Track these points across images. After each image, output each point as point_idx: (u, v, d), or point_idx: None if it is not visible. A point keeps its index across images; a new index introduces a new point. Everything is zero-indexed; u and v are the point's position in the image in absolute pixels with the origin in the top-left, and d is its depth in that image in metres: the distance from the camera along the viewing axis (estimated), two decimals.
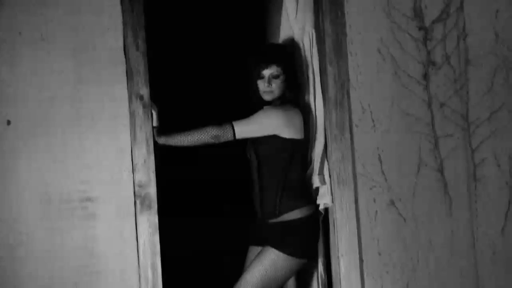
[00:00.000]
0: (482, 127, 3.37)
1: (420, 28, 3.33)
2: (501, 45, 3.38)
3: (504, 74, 3.38)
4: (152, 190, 3.03)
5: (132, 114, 3.05)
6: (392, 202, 3.28)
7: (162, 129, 3.13)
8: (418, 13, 3.33)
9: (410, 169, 3.30)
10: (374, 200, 3.26)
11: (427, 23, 3.34)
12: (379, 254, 3.25)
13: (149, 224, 3.01)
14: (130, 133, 3.06)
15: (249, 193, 3.35)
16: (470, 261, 3.35)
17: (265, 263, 3.12)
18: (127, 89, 3.07)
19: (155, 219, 3.02)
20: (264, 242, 3.21)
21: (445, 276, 3.31)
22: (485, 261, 3.35)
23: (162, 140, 3.13)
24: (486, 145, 3.37)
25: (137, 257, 3.02)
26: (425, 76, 3.33)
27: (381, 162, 3.27)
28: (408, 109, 3.30)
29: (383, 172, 3.27)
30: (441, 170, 3.33)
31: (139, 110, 3.05)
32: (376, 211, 3.26)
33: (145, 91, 3.05)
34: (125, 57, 3.07)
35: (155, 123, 3.09)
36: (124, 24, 3.07)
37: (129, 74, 3.07)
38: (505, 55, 3.38)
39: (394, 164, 3.28)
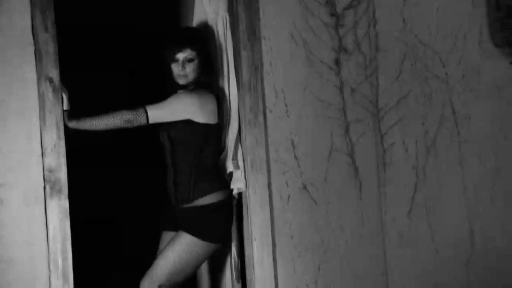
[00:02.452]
0: (391, 113, 3.46)
1: (332, 15, 3.38)
2: (409, 32, 3.47)
3: (411, 61, 3.48)
4: (63, 175, 2.96)
5: (41, 97, 2.97)
6: (305, 186, 3.32)
7: (73, 113, 3.06)
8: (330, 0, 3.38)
9: (322, 154, 3.35)
10: (287, 184, 3.30)
11: (339, 9, 3.39)
12: (292, 237, 3.29)
13: (59, 210, 2.95)
14: (40, 117, 2.98)
15: (163, 178, 3.32)
16: (378, 244, 3.43)
17: (179, 248, 3.11)
18: (36, 71, 2.98)
19: (65, 204, 2.96)
20: (177, 227, 3.19)
21: (355, 259, 3.38)
22: (393, 244, 3.45)
23: (73, 124, 3.06)
24: (395, 130, 3.46)
25: (46, 244, 2.95)
26: (337, 62, 3.38)
27: (294, 146, 3.31)
28: (321, 94, 3.35)
29: (296, 157, 3.31)
30: (351, 155, 3.40)
31: (49, 93, 2.97)
32: (289, 195, 3.30)
33: (54, 74, 2.97)
34: (34, 39, 2.98)
35: (65, 107, 3.02)
36: (32, 5, 2.98)
37: (38, 56, 2.98)
38: (413, 42, 3.48)
39: (307, 148, 3.33)
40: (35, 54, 2.98)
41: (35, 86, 2.98)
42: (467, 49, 3.56)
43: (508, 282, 3.64)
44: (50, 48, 2.96)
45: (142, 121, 3.09)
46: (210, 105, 3.19)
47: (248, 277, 3.28)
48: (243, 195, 3.29)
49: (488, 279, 3.60)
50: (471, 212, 3.57)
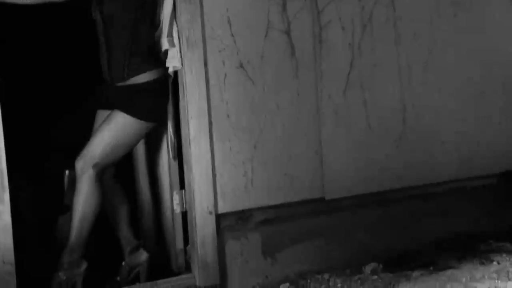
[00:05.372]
0: None
1: None
2: None
3: None
4: None
5: None
6: (241, 65, 3.29)
7: None
8: None
9: (259, 32, 3.31)
10: (223, 63, 3.26)
11: None
12: (228, 116, 3.29)
13: None
14: None
15: (97, 56, 3.24)
16: (314, 122, 3.47)
17: (114, 127, 3.08)
18: None
19: None
20: (112, 105, 3.14)
21: (291, 137, 3.42)
22: (328, 122, 3.49)
23: None
24: (331, 7, 3.43)
25: None
26: None
27: (230, 24, 3.25)
28: None
29: (232, 35, 3.26)
30: (288, 33, 3.37)
31: None
32: (225, 74, 3.27)
33: None
34: None
35: None
36: None
37: None
38: None
39: (243, 26, 3.27)
40: None
41: None
42: None
43: (437, 160, 3.78)
44: None
45: None
46: None
47: (184, 156, 3.29)
48: (179, 74, 3.24)
49: (418, 155, 3.72)
50: (404, 89, 3.64)
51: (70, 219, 3.06)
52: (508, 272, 3.35)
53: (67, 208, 3.23)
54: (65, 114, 4.18)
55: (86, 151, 3.07)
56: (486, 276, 3.31)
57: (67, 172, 3.26)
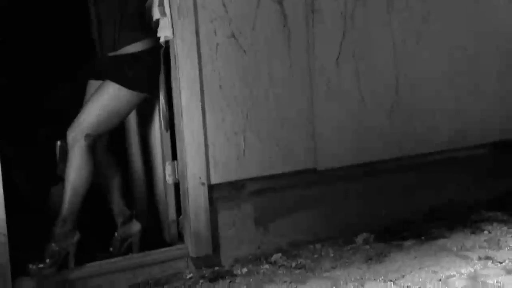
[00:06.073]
0: None
1: None
2: None
3: None
4: None
5: None
6: (233, 35, 3.27)
7: None
8: None
9: (251, 1, 3.28)
10: (215, 33, 3.23)
11: None
12: (220, 87, 3.27)
13: None
14: None
15: (88, 28, 3.21)
16: (306, 92, 3.46)
17: (105, 97, 3.06)
18: None
19: None
20: (103, 76, 3.12)
21: (283, 108, 3.41)
22: (320, 92, 3.48)
23: None
24: None
25: None
26: None
27: None
28: None
29: (224, 4, 3.23)
30: (280, 2, 3.34)
31: None
32: (217, 44, 3.24)
33: None
34: None
35: None
36: None
37: None
38: None
39: None
40: None
41: None
42: None
43: (430, 130, 3.78)
44: None
45: None
46: None
47: (176, 126, 3.27)
48: (170, 43, 3.22)
49: (410, 125, 3.72)
50: (397, 59, 3.63)
51: (62, 190, 3.06)
52: (498, 241, 3.38)
53: (60, 179, 3.22)
54: (57, 84, 4.15)
55: (78, 122, 3.05)
56: (477, 245, 3.34)
57: (58, 142, 3.25)
